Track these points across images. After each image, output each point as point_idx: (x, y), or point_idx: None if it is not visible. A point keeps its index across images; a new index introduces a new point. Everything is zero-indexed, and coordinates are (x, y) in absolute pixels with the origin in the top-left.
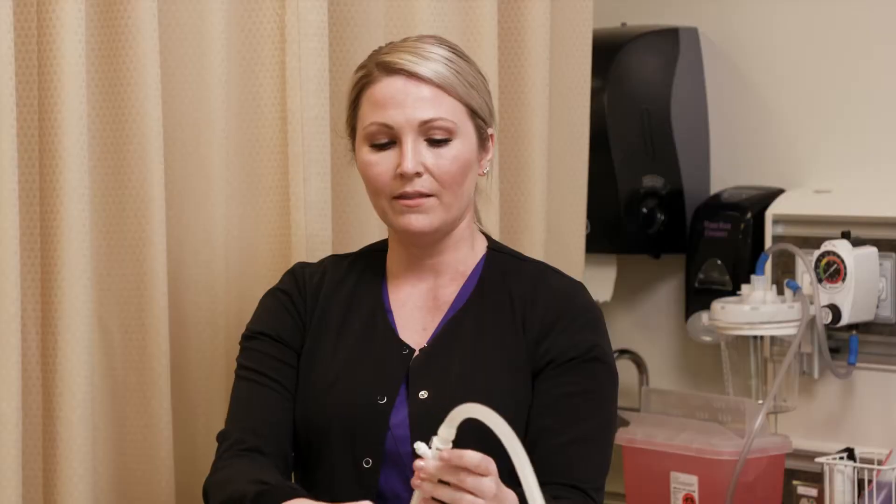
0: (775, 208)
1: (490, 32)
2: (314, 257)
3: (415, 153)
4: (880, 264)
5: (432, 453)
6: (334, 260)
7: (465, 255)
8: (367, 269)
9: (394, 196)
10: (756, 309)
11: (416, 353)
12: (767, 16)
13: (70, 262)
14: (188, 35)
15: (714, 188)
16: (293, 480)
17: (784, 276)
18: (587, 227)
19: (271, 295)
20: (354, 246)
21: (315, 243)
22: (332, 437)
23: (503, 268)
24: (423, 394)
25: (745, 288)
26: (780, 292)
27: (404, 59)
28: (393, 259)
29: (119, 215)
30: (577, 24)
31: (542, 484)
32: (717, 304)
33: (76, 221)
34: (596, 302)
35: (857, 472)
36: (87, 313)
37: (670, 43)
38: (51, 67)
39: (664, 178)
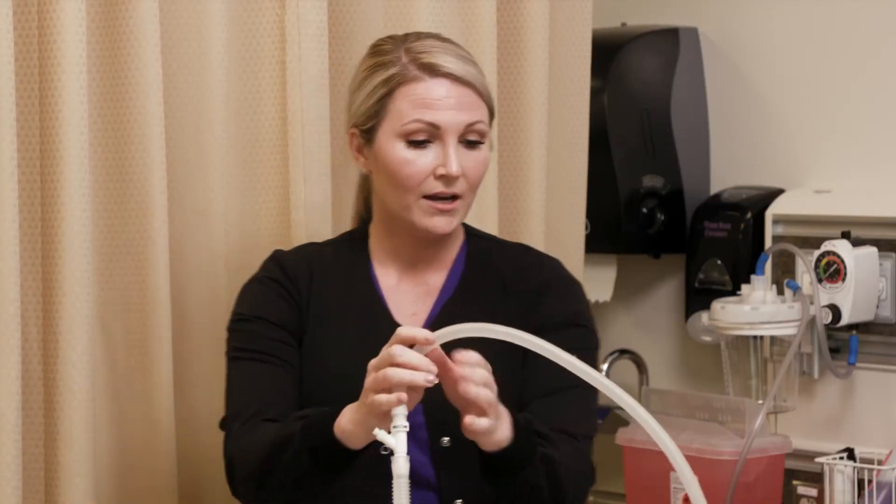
0: (775, 208)
1: (489, 32)
2: None
3: (458, 156)
4: (880, 264)
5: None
6: (316, 248)
7: (450, 243)
8: (352, 257)
9: (425, 195)
10: (756, 309)
11: None
12: (767, 16)
13: (71, 262)
14: (188, 35)
15: (714, 188)
16: None
17: (784, 276)
18: (587, 227)
19: (259, 282)
20: None
21: None
22: None
23: (486, 251)
24: None
25: (745, 288)
26: (780, 292)
27: (447, 62)
28: (380, 247)
29: (120, 215)
30: (577, 24)
31: None
32: (717, 304)
33: (77, 221)
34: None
35: (857, 472)
36: (88, 313)
37: (670, 43)
38: (52, 68)
39: (664, 178)
